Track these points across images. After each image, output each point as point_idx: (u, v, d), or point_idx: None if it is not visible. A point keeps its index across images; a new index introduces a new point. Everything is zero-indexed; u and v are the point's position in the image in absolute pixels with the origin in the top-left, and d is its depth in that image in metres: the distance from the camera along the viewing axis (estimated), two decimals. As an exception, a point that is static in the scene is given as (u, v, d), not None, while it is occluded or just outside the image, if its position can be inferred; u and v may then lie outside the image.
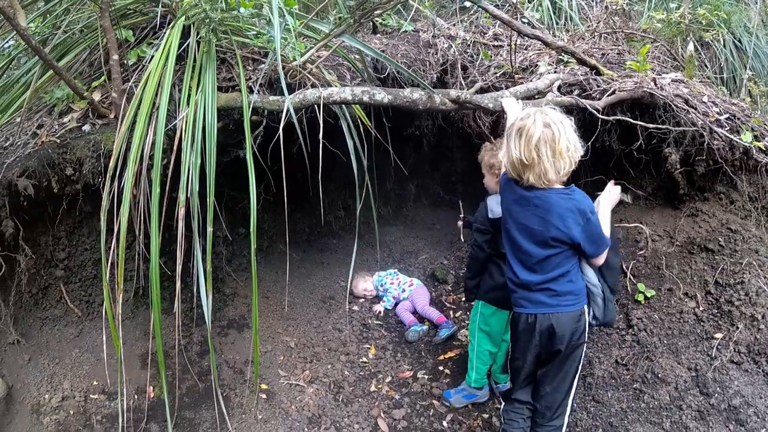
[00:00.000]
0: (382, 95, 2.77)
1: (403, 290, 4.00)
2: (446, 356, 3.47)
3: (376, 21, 4.12)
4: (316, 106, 2.79)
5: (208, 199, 2.59)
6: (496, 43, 4.07)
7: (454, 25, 4.32)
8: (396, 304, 3.98)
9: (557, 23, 4.29)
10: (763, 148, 3.16)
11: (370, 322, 3.82)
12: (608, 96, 3.18)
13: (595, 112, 3.00)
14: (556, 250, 2.31)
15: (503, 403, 2.71)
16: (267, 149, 2.74)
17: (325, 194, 4.36)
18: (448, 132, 4.27)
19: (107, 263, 2.51)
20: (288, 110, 2.68)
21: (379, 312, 3.95)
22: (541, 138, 2.16)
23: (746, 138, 3.14)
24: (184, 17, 2.94)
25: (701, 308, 3.12)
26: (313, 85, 2.98)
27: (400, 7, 4.27)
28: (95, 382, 2.93)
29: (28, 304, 2.98)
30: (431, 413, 3.11)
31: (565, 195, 2.29)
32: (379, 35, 4.18)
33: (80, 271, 3.08)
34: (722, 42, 4.21)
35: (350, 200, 4.30)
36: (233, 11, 2.82)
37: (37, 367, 2.93)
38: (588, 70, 3.47)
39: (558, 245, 2.30)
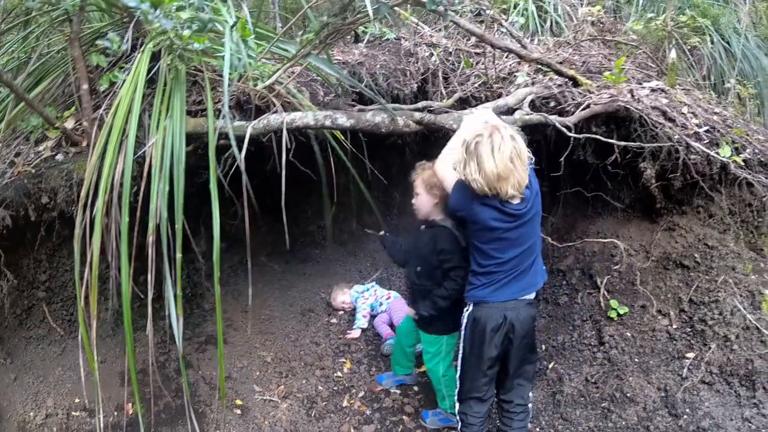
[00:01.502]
0: (343, 119, 2.78)
1: (381, 303, 4.02)
2: (420, 370, 3.51)
3: (359, 31, 4.09)
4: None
5: (177, 226, 2.64)
6: (478, 50, 4.01)
7: (438, 30, 4.26)
8: (373, 317, 4.02)
9: (542, 27, 4.21)
10: (741, 163, 3.08)
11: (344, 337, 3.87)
12: (581, 110, 3.12)
13: (565, 130, 2.96)
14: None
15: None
16: (246, 166, 2.76)
17: (308, 205, 4.41)
18: (431, 140, 4.24)
19: (81, 291, 2.60)
20: (251, 136, 2.72)
21: (354, 336, 3.91)
22: (513, 150, 2.26)
23: (724, 152, 3.06)
24: (151, 43, 2.97)
25: (674, 326, 3.10)
26: (283, 105, 3.01)
27: (387, 16, 4.22)
28: (77, 400, 3.05)
29: (12, 325, 3.09)
30: (400, 429, 3.16)
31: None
32: (361, 44, 4.16)
33: (61, 291, 3.18)
34: (710, 45, 4.08)
35: (335, 210, 4.33)
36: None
37: (23, 386, 3.05)
38: (566, 80, 3.41)
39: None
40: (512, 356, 2.60)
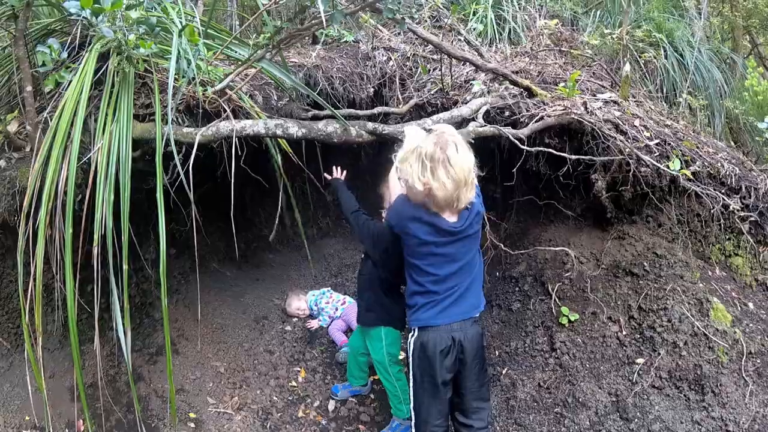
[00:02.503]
0: (295, 129, 2.74)
1: (336, 308, 4.00)
2: (375, 377, 3.50)
3: (317, 33, 4.05)
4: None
5: (123, 236, 2.57)
6: (435, 56, 4.01)
7: (397, 35, 4.25)
8: (331, 321, 4.01)
9: (501, 35, 4.23)
10: (690, 176, 3.15)
11: (299, 345, 3.85)
12: (535, 122, 3.15)
13: (518, 143, 2.98)
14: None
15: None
16: (196, 170, 2.69)
17: (262, 208, 4.35)
18: (388, 144, 4.23)
19: (26, 304, 2.50)
20: (200, 143, 2.66)
21: (312, 327, 3.94)
22: (471, 161, 2.25)
23: (674, 166, 3.12)
24: (99, 44, 2.87)
25: (624, 333, 3.16)
26: (234, 110, 2.95)
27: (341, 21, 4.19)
28: (27, 417, 2.91)
29: (-44, 338, 2.97)
30: (356, 439, 3.17)
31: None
32: (319, 46, 4.11)
33: (7, 303, 3.05)
34: (664, 58, 4.17)
35: (290, 212, 4.28)
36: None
37: (-31, 404, 2.92)
38: (521, 90, 3.44)
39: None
40: (466, 377, 2.53)
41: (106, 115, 2.74)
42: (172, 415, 2.76)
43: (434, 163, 2.20)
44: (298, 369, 3.58)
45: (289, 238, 4.32)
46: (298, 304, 4.04)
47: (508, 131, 2.96)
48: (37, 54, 3.07)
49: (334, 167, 3.34)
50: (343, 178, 3.31)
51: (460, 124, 3.09)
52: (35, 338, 2.55)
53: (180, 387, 3.18)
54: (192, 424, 3.04)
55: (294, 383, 3.46)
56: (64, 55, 2.53)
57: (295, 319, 4.01)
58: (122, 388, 3.10)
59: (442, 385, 2.48)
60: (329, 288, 4.25)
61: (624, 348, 3.12)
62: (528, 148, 2.97)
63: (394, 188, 2.59)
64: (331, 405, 3.37)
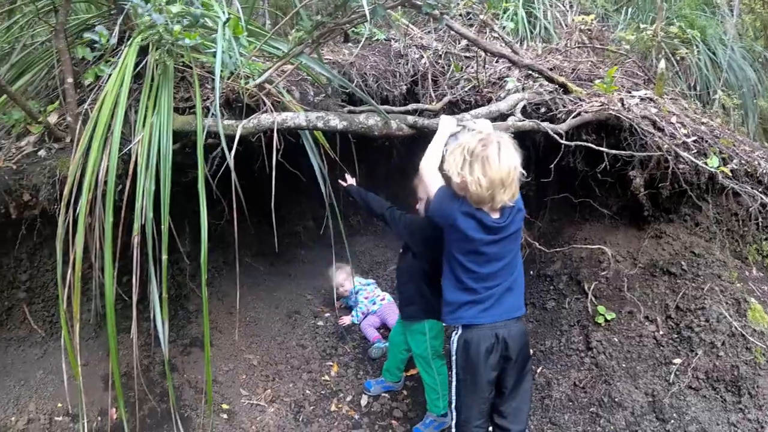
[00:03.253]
0: (336, 121, 2.74)
1: (374, 303, 3.98)
2: (408, 374, 3.50)
3: (349, 31, 4.06)
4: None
5: (162, 226, 2.58)
6: (468, 54, 4.02)
7: (428, 33, 4.25)
8: (364, 317, 3.99)
9: (532, 33, 4.23)
10: (729, 173, 3.12)
11: (331, 339, 3.84)
12: (572, 118, 3.14)
13: (557, 137, 2.96)
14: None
15: None
16: (234, 165, 2.71)
17: (296, 205, 4.37)
18: (419, 142, 4.23)
19: (64, 292, 2.51)
20: (240, 135, 2.67)
21: (345, 323, 3.94)
22: (517, 160, 2.25)
23: (712, 163, 3.10)
24: (139, 37, 2.90)
25: (661, 332, 3.13)
26: (273, 104, 2.96)
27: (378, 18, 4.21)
28: (59, 404, 2.93)
29: (-8, 326, 3.00)
30: (389, 434, 3.15)
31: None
32: (351, 44, 4.13)
33: (43, 292, 3.08)
34: (696, 56, 4.14)
35: (321, 210, 4.28)
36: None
37: (4, 389, 2.93)
38: (556, 87, 3.43)
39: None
40: (508, 376, 2.49)
41: (147, 107, 2.76)
42: (209, 404, 2.76)
43: (473, 159, 2.22)
44: (331, 363, 3.58)
45: (320, 235, 4.31)
46: (344, 281, 3.98)
47: (547, 126, 2.95)
48: (78, 48, 3.12)
49: (346, 175, 3.36)
50: (354, 182, 3.35)
51: (498, 119, 3.08)
52: (72, 326, 2.56)
53: (213, 378, 3.19)
54: (225, 416, 3.04)
55: (326, 377, 3.45)
56: (113, 40, 2.55)
57: (326, 315, 4.01)
58: (155, 378, 3.11)
59: (486, 384, 2.44)
60: (375, 281, 4.23)
61: (661, 348, 3.09)
62: (567, 143, 2.95)
63: (429, 180, 2.57)
64: (364, 400, 3.36)
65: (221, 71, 2.83)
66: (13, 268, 3.00)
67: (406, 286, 3.06)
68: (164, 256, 2.57)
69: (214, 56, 3.12)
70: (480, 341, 2.40)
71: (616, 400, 3.01)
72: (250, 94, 2.95)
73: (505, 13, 4.28)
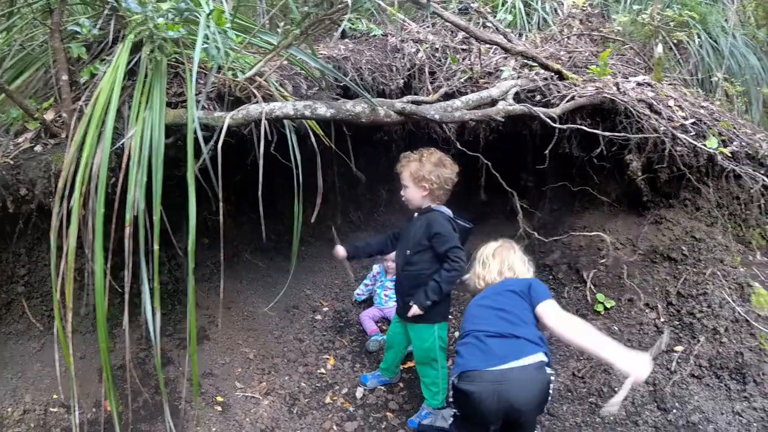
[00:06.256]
0: (323, 109, 2.74)
1: (390, 300, 3.91)
2: (404, 367, 3.46)
3: (345, 26, 4.08)
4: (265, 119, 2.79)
5: (154, 217, 2.60)
6: (464, 47, 4.00)
7: (425, 27, 4.25)
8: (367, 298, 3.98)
9: (529, 24, 4.20)
10: (729, 154, 3.05)
11: (329, 333, 3.83)
12: (566, 102, 3.10)
13: (549, 121, 2.93)
14: None
15: None
16: (228, 158, 2.72)
17: (293, 201, 4.35)
18: (418, 136, 4.22)
19: (57, 284, 2.55)
20: (228, 126, 2.69)
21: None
22: None
23: (711, 144, 3.03)
24: (132, 34, 2.95)
25: (662, 320, 3.05)
26: (264, 97, 2.98)
27: (373, 10, 4.23)
28: (55, 396, 2.97)
29: (-8, 320, 3.05)
30: (384, 426, 3.09)
31: None
32: (347, 40, 4.14)
33: (41, 286, 3.12)
34: (697, 42, 4.07)
35: (320, 206, 4.27)
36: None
37: (2, 381, 2.97)
38: (551, 74, 3.39)
39: None
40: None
41: (140, 102, 2.80)
42: (194, 394, 2.76)
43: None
44: (327, 357, 3.56)
45: (319, 231, 4.30)
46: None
47: (539, 110, 2.91)
48: (73, 46, 3.19)
49: (338, 246, 3.29)
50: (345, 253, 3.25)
51: (490, 105, 3.05)
52: (65, 318, 2.59)
53: (209, 371, 3.19)
54: (219, 408, 3.04)
55: (323, 370, 3.43)
56: (95, 32, 2.59)
57: (325, 309, 3.99)
58: (151, 370, 3.13)
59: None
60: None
61: (662, 335, 3.01)
62: (560, 126, 2.91)
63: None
64: (359, 392, 3.33)
65: (208, 63, 2.87)
66: (11, 262, 3.05)
67: (416, 290, 2.89)
68: (155, 247, 2.60)
69: (203, 51, 3.19)
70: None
71: (616, 389, 2.92)
72: (241, 87, 2.97)
73: (503, 5, 4.26)
